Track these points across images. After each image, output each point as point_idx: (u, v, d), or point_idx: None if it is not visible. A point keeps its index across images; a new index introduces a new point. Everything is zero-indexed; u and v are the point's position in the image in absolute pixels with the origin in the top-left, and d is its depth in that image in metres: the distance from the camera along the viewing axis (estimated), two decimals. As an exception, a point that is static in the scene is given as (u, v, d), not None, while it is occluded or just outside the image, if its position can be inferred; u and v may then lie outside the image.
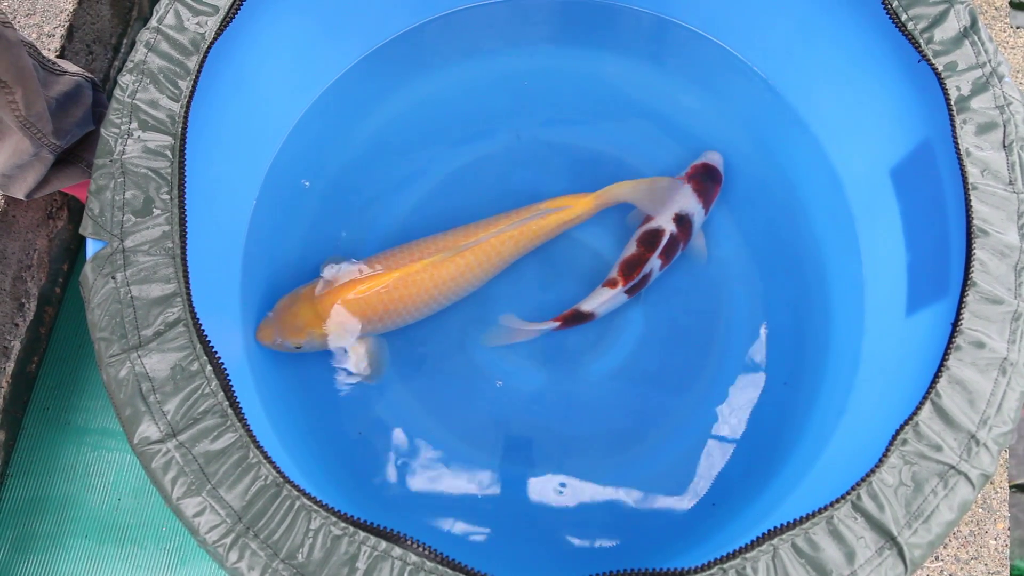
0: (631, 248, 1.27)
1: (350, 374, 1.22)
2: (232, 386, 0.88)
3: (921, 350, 0.99)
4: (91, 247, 0.91)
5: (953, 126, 0.99)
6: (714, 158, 1.35)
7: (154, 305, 0.88)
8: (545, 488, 1.19)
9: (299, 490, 0.83)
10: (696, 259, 1.32)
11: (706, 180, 1.32)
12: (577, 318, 1.23)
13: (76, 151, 1.24)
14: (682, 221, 1.28)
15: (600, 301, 1.23)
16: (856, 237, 1.26)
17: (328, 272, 1.21)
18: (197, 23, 1.01)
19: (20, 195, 1.23)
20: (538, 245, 1.27)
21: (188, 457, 0.83)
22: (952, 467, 0.84)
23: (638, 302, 1.29)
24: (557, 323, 1.22)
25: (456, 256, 1.18)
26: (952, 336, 0.90)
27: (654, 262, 1.24)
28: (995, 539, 1.22)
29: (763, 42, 1.36)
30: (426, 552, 0.81)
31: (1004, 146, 0.98)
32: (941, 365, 0.89)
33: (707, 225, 1.33)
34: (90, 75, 1.25)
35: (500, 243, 1.21)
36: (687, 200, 1.29)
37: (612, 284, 1.24)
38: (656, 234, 1.26)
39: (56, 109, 1.14)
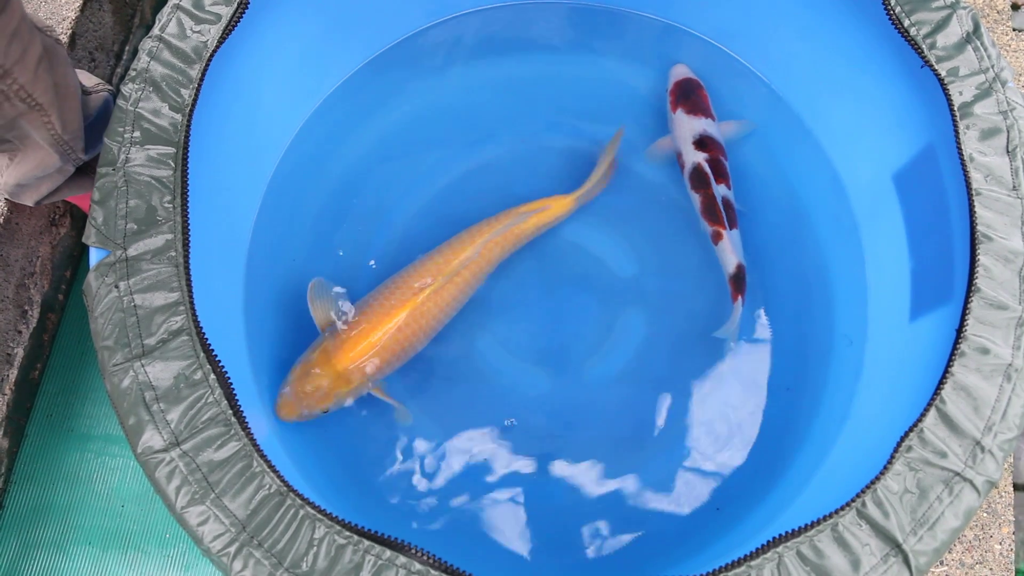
0: (696, 198, 1.28)
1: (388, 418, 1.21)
2: (236, 395, 0.87)
3: (925, 356, 0.99)
4: (94, 256, 0.91)
5: (956, 131, 0.99)
6: (678, 71, 1.37)
7: (157, 314, 0.88)
8: (548, 493, 1.19)
9: (303, 499, 0.83)
10: (747, 134, 1.36)
11: (689, 95, 1.33)
12: (739, 280, 1.23)
13: (90, 163, 1.25)
14: (703, 143, 1.29)
15: (728, 253, 1.24)
16: (860, 242, 1.26)
17: (319, 312, 1.18)
18: (199, 31, 1.01)
19: (29, 203, 1.24)
20: (523, 245, 1.29)
21: (192, 466, 0.83)
22: (957, 474, 0.84)
23: (644, 307, 1.30)
24: (740, 300, 1.22)
25: (455, 276, 1.19)
26: (956, 342, 0.90)
27: (720, 191, 1.25)
28: (1000, 543, 1.22)
29: (767, 47, 1.36)
30: (430, 560, 0.81)
31: (1008, 151, 0.98)
32: (946, 371, 0.89)
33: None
34: (112, 88, 1.25)
35: (489, 251, 1.23)
36: (690, 125, 1.30)
37: (718, 236, 1.25)
38: (698, 170, 1.27)
39: (89, 127, 1.14)
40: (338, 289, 1.20)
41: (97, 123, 1.18)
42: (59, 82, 1.02)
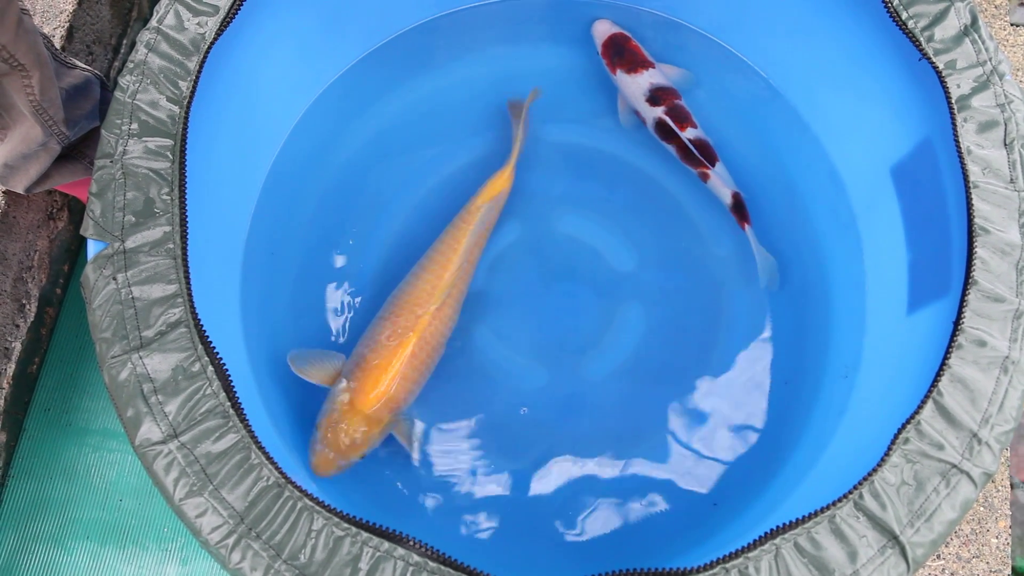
0: (670, 148, 1.31)
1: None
2: (234, 387, 0.87)
3: (922, 349, 0.99)
4: (92, 248, 0.91)
5: (954, 124, 0.99)
6: (601, 29, 1.38)
7: (155, 306, 0.88)
8: (546, 487, 1.19)
9: (301, 491, 0.83)
10: (689, 81, 1.38)
11: (622, 52, 1.35)
12: (740, 208, 1.27)
13: (79, 147, 1.25)
14: (656, 97, 1.30)
15: (720, 187, 1.27)
16: (858, 235, 1.26)
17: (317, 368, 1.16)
18: (197, 23, 1.01)
19: (19, 189, 1.23)
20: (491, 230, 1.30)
21: (190, 458, 0.83)
22: (954, 466, 0.84)
23: (643, 301, 1.30)
24: (748, 227, 1.26)
25: (452, 290, 1.18)
26: (954, 334, 0.90)
27: (691, 134, 1.28)
28: (996, 537, 1.22)
29: (765, 41, 1.36)
30: (428, 552, 0.81)
31: (1005, 144, 0.98)
32: (943, 364, 0.89)
33: (709, 222, 1.33)
34: (98, 73, 1.26)
35: (472, 255, 1.22)
36: (636, 83, 1.32)
37: (704, 176, 1.28)
38: (661, 124, 1.30)
39: (66, 99, 1.15)
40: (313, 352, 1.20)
41: (77, 100, 1.19)
42: (32, 48, 1.03)
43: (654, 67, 1.34)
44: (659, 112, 1.29)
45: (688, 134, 1.28)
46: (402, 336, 1.14)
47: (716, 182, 1.27)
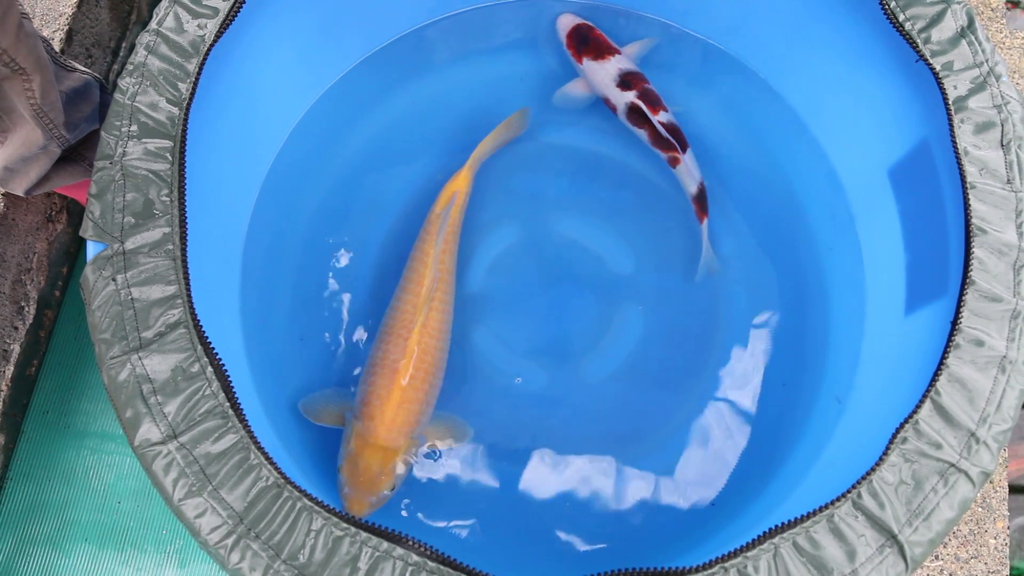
0: (641, 133, 1.31)
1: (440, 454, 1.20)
2: (233, 387, 0.87)
3: (920, 348, 0.99)
4: (91, 249, 0.91)
5: (951, 125, 1.00)
6: (564, 22, 1.38)
7: (155, 307, 0.88)
8: (546, 488, 1.19)
9: (300, 491, 0.83)
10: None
11: (588, 41, 1.34)
12: (702, 199, 1.27)
13: (79, 149, 1.25)
14: (626, 82, 1.30)
15: (687, 174, 1.27)
16: (856, 236, 1.26)
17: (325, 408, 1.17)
18: (197, 25, 1.01)
19: (19, 191, 1.23)
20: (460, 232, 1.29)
21: (189, 459, 0.83)
22: (952, 465, 0.85)
23: (640, 302, 1.30)
24: (705, 220, 1.27)
25: (433, 300, 1.17)
26: (951, 334, 0.91)
27: (661, 118, 1.28)
28: (995, 538, 1.22)
29: (763, 43, 1.37)
30: (427, 552, 0.81)
31: (1002, 145, 0.98)
32: (941, 363, 0.89)
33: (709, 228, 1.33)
34: (97, 75, 1.26)
35: (444, 264, 1.21)
36: (604, 70, 1.32)
37: (674, 160, 1.28)
38: (633, 109, 1.30)
39: (66, 102, 1.15)
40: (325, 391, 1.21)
41: (77, 103, 1.19)
42: (32, 52, 1.03)
43: (620, 53, 1.34)
44: (631, 96, 1.29)
45: (660, 118, 1.28)
46: (395, 363, 1.13)
47: (684, 169, 1.27)
